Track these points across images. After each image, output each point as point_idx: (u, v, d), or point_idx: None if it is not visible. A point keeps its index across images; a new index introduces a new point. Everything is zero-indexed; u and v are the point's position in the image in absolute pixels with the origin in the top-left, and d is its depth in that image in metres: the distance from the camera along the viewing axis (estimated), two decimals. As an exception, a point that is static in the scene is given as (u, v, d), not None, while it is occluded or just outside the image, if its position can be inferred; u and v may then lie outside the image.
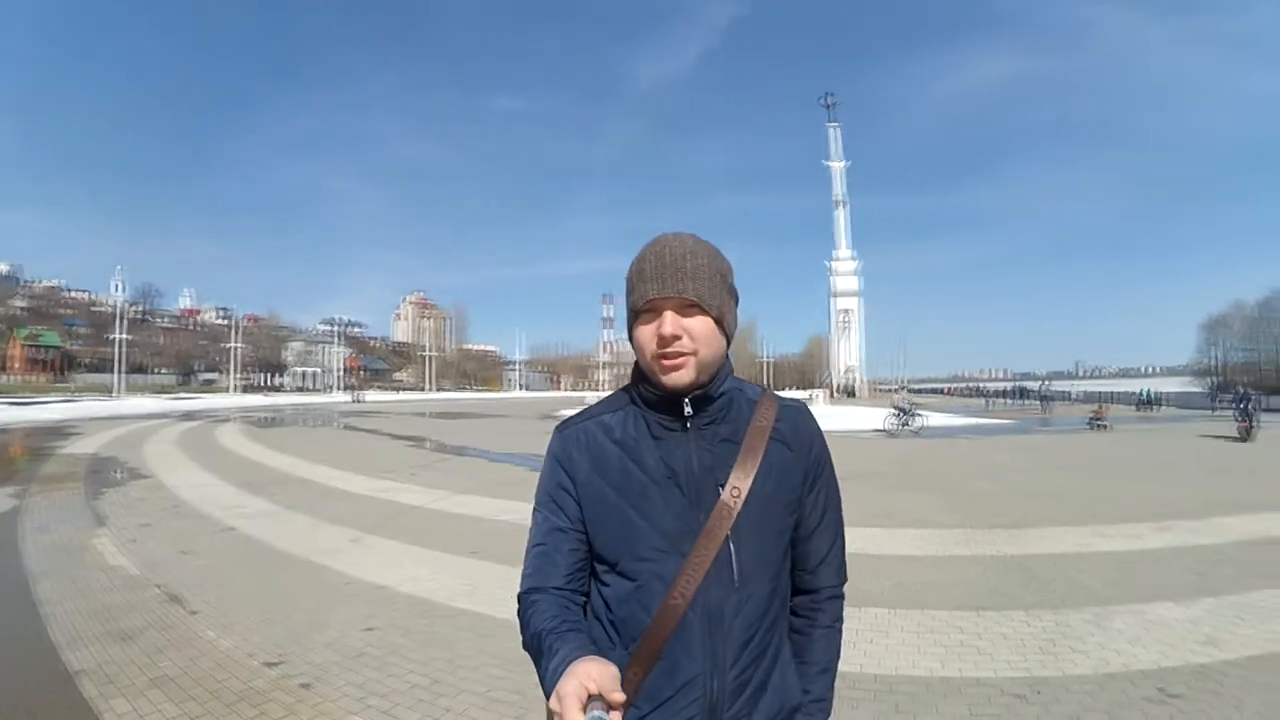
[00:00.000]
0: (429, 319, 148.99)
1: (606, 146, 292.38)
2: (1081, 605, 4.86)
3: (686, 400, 1.16)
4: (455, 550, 6.47)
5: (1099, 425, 23.71)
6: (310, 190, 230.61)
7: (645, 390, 1.19)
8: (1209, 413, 33.89)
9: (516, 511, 8.42)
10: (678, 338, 1.10)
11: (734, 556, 1.12)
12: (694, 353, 1.12)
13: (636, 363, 1.23)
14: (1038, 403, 44.38)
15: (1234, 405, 20.58)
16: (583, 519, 1.18)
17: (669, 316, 1.11)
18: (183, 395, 69.02)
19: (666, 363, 1.11)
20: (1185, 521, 7.61)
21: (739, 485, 1.13)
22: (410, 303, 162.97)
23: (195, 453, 15.87)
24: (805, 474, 1.23)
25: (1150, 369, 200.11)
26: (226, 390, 79.23)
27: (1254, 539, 6.76)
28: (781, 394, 1.34)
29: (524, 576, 1.19)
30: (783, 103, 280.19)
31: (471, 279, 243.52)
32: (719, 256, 1.20)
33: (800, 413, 1.27)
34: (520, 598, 1.18)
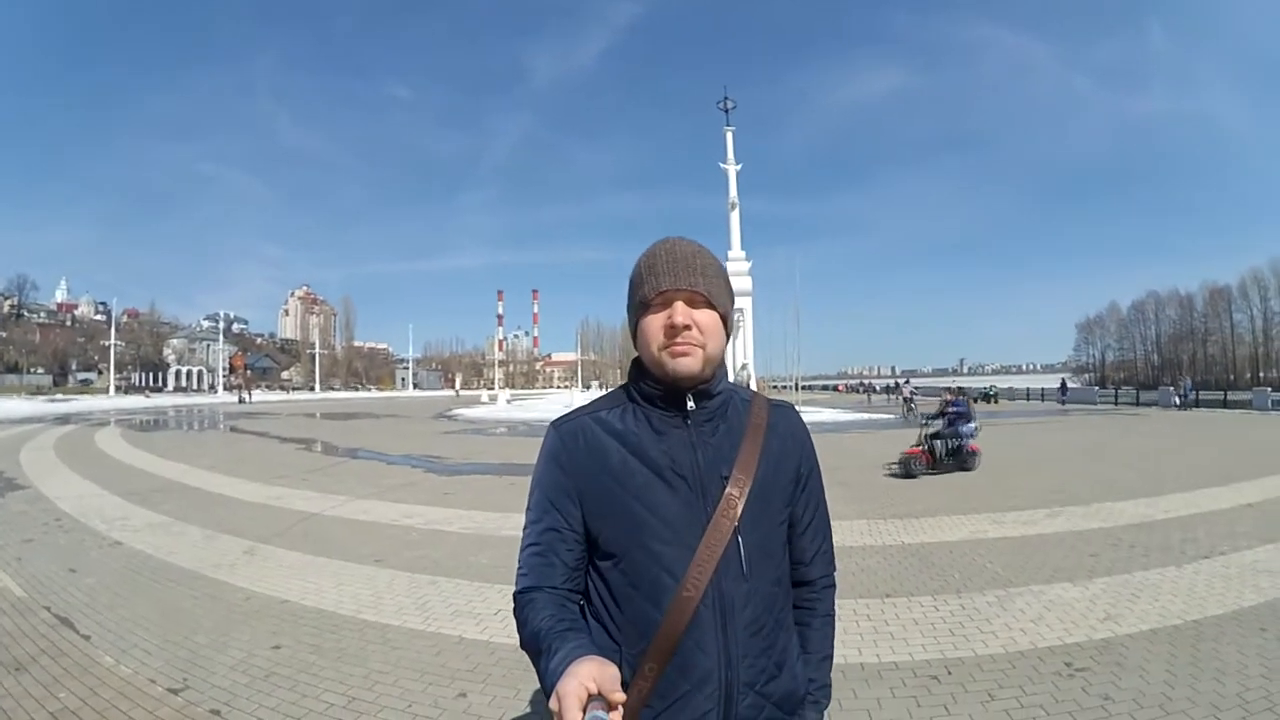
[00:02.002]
0: (317, 314, 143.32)
1: (499, 141, 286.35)
2: (984, 589, 5.12)
3: (689, 394, 1.19)
4: (358, 559, 6.22)
5: None
6: (187, 176, 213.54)
7: (646, 385, 1.21)
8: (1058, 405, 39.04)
9: (418, 516, 8.23)
10: (688, 328, 1.13)
11: (741, 548, 1.14)
12: (702, 345, 1.15)
13: (635, 360, 1.26)
14: (906, 404, 49.07)
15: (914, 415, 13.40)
16: (582, 518, 1.18)
17: (680, 307, 1.15)
18: (58, 397, 63.73)
19: (676, 349, 1.14)
20: (1076, 507, 8.16)
21: (742, 478, 1.16)
22: (297, 297, 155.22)
23: (75, 460, 14.73)
24: (798, 470, 1.28)
25: (1031, 366, 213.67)
26: (105, 391, 73.74)
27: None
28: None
29: (519, 576, 1.20)
30: (680, 105, 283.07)
31: (359, 273, 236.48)
32: (721, 262, 1.24)
33: (790, 413, 1.32)
34: (516, 597, 1.18)
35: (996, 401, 44.45)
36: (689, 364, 1.14)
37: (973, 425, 12.04)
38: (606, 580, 1.16)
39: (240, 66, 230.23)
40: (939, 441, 11.58)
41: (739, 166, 31.85)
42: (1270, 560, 5.68)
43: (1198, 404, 33.50)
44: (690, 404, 1.19)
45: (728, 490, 1.15)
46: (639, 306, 1.19)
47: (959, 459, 11.61)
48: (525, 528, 1.23)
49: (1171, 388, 36.35)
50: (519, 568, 1.20)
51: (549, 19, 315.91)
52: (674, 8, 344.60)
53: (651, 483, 1.14)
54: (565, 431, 1.23)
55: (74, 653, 4.05)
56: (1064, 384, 47.02)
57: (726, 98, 32.72)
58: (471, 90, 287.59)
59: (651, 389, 1.20)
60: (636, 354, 1.25)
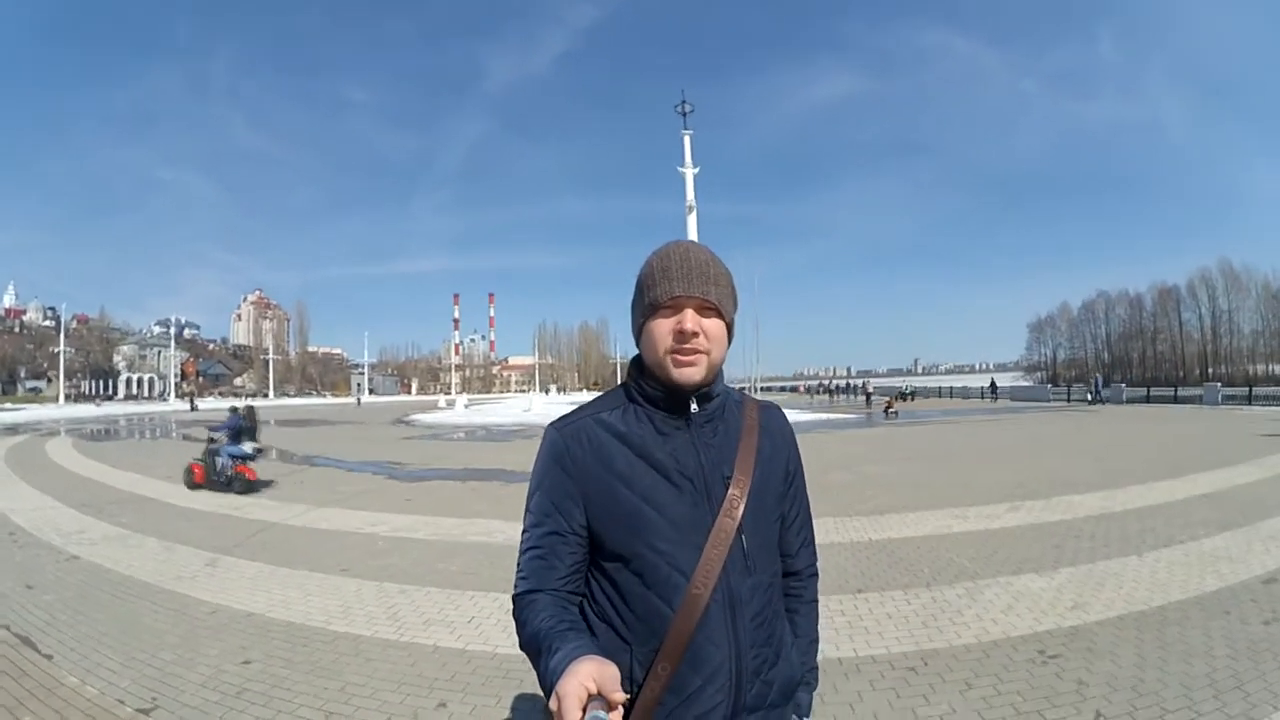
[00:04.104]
0: (270, 319, 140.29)
1: (455, 144, 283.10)
2: (953, 581, 5.22)
3: (693, 397, 1.21)
4: (324, 569, 6.07)
5: (892, 415, 29.09)
6: (137, 177, 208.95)
7: (649, 386, 1.22)
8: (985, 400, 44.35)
9: (383, 524, 8.07)
10: (696, 335, 1.15)
11: (744, 545, 1.17)
12: (707, 352, 1.17)
13: (635, 359, 1.27)
14: (829, 396, 57.02)
15: None
16: (584, 520, 1.19)
17: (690, 314, 1.16)
18: (7, 405, 61.64)
19: (681, 358, 1.16)
20: (1035, 501, 8.36)
21: (743, 478, 1.19)
22: (250, 302, 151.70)
23: (27, 471, 14.17)
24: (787, 467, 1.33)
25: (984, 365, 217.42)
26: (55, 400, 71.47)
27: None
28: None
29: (519, 579, 1.20)
30: (637, 109, 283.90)
31: (314, 278, 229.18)
32: (730, 270, 1.26)
33: (777, 413, 1.37)
34: (515, 599, 1.19)
35: (913, 399, 49.89)
36: (691, 374, 1.17)
37: (249, 447, 11.26)
38: (614, 581, 1.17)
39: (193, 64, 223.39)
40: (217, 459, 10.86)
41: (697, 170, 31.82)
42: (1229, 547, 5.89)
43: (1136, 399, 36.16)
44: (694, 406, 1.21)
45: (730, 490, 1.18)
46: (648, 308, 1.19)
47: (235, 481, 10.68)
48: (525, 530, 1.23)
49: (1084, 384, 38.93)
50: (519, 570, 1.21)
51: (506, 21, 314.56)
52: (631, 11, 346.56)
53: (658, 484, 1.16)
54: (568, 433, 1.23)
55: (36, 673, 3.88)
56: (993, 383, 52.03)
57: (684, 101, 32.62)
58: (428, 92, 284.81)
59: (654, 390, 1.21)
60: (638, 352, 1.26)
